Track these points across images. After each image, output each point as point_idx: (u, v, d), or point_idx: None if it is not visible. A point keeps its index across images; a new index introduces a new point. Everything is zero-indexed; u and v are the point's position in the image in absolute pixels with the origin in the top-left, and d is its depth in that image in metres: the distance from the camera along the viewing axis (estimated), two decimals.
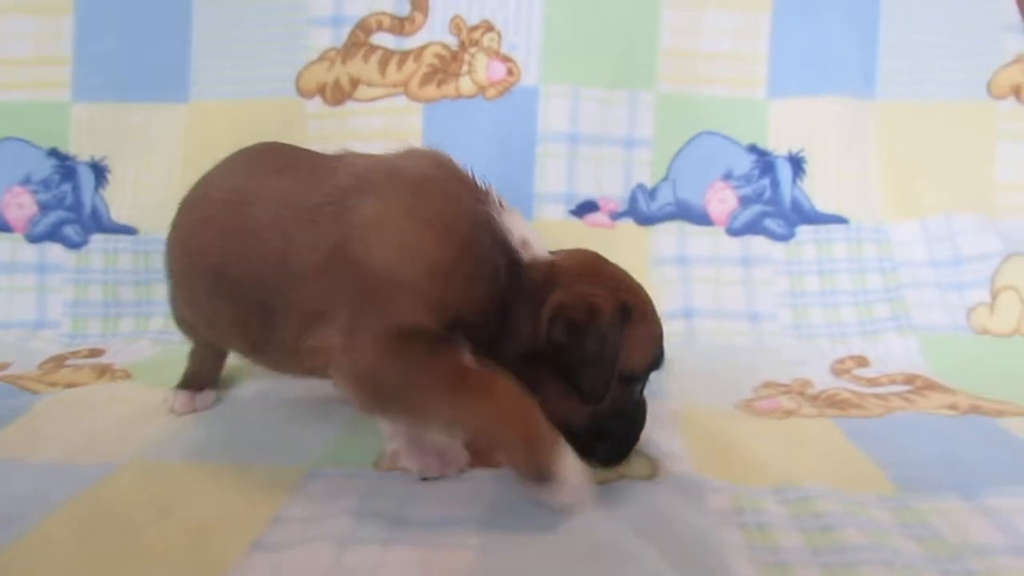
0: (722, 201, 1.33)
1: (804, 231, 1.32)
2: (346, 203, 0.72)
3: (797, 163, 1.33)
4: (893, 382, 1.10)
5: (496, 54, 1.32)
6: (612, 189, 1.33)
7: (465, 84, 1.33)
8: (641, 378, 0.76)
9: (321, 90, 1.33)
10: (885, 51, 1.33)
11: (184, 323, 0.96)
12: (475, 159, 1.29)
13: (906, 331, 1.23)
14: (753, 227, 1.32)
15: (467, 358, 0.69)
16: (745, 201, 1.33)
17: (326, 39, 1.33)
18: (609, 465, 0.76)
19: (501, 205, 0.75)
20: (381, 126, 1.32)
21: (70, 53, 1.35)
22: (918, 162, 1.32)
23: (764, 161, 1.33)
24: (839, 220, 1.31)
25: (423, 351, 0.67)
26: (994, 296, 1.23)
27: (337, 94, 1.32)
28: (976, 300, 1.24)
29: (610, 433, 0.75)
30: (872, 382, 1.10)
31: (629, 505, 0.71)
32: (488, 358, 0.72)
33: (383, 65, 1.32)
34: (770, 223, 1.32)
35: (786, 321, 1.27)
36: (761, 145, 1.34)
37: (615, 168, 1.32)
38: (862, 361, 1.18)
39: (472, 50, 1.32)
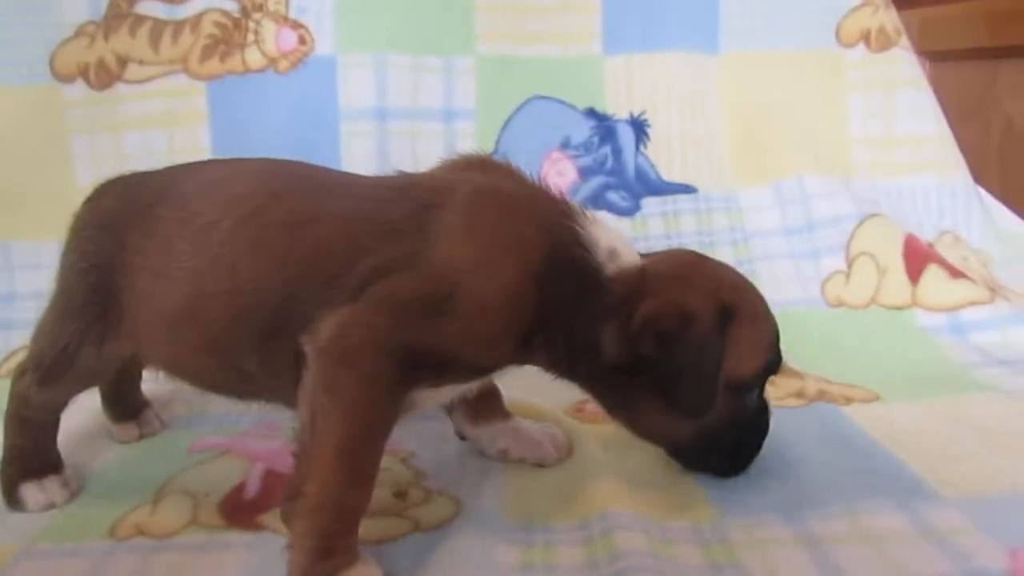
0: (560, 174, 1.20)
1: (650, 203, 1.19)
2: (429, 218, 0.65)
3: (639, 127, 1.20)
4: None
5: (285, 20, 1.14)
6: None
7: (252, 56, 1.14)
8: (753, 386, 0.69)
9: (83, 72, 1.12)
10: None
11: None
12: (271, 142, 1.13)
13: None
14: (595, 201, 1.18)
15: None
16: (585, 172, 1.20)
17: (82, 11, 1.12)
18: (728, 477, 0.72)
19: (585, 216, 0.68)
20: (160, 110, 1.13)
21: None
22: (767, 120, 1.20)
23: (604, 126, 1.20)
24: (687, 189, 1.19)
25: (394, 398, 0.60)
26: (850, 263, 1.13)
27: (103, 76, 1.12)
28: (831, 269, 1.13)
29: (724, 446, 0.70)
30: None
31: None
32: (572, 379, 0.70)
33: (155, 39, 1.13)
34: (613, 196, 1.19)
35: None
36: (599, 108, 1.20)
37: (434, 144, 1.16)
38: None
39: (257, 16, 1.14)
